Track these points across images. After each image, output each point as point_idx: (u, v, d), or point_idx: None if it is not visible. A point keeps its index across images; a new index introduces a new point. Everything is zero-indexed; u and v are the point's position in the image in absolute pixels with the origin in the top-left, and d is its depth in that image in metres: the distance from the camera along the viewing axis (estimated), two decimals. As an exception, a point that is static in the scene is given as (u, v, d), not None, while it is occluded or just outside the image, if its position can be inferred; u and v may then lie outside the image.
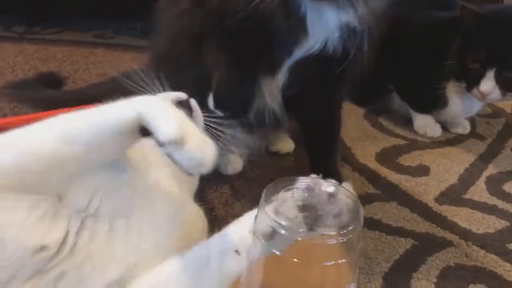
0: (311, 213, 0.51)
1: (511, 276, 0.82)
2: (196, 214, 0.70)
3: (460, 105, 1.28)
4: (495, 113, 1.52)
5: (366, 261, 0.82)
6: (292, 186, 0.54)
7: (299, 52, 0.86)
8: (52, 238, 0.53)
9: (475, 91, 1.17)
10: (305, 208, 0.52)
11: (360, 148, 1.22)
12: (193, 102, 0.72)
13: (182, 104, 0.69)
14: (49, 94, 1.31)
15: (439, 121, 1.35)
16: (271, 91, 0.95)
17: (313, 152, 1.01)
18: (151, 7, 1.05)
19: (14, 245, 0.51)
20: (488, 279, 0.81)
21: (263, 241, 0.50)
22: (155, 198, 0.63)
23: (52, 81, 1.41)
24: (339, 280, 0.54)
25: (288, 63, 0.89)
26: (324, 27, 0.84)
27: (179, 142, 0.52)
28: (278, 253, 0.50)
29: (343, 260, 0.52)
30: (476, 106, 1.32)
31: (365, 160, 1.16)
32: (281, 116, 0.99)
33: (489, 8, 1.21)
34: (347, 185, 0.98)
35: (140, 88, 0.75)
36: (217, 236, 0.60)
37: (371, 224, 0.92)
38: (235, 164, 1.06)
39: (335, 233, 0.49)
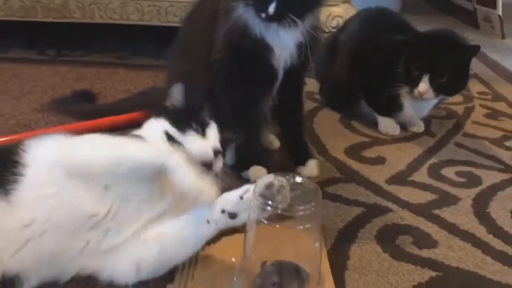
0: (284, 197, 0.84)
1: (428, 229, 1.14)
2: None
3: (412, 108, 1.61)
4: (448, 115, 1.85)
5: (327, 222, 1.14)
6: (274, 179, 0.87)
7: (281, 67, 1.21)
8: (101, 209, 0.88)
9: (415, 92, 1.52)
10: (281, 193, 0.85)
11: (333, 144, 1.55)
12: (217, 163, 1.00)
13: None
14: (87, 107, 1.66)
15: (398, 122, 1.68)
16: (268, 103, 1.29)
17: (286, 134, 1.36)
18: (162, 32, 1.39)
19: (76, 210, 0.86)
20: (414, 232, 1.13)
21: (255, 215, 0.83)
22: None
23: (87, 96, 1.76)
24: (308, 240, 0.86)
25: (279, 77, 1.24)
26: (284, 44, 1.19)
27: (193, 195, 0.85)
28: (265, 222, 0.83)
29: (309, 225, 0.84)
30: (425, 109, 1.65)
31: (335, 153, 1.50)
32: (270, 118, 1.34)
33: (426, 31, 1.58)
34: (313, 162, 1.33)
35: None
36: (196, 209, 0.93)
37: (334, 197, 1.25)
38: None
39: (302, 207, 0.82)
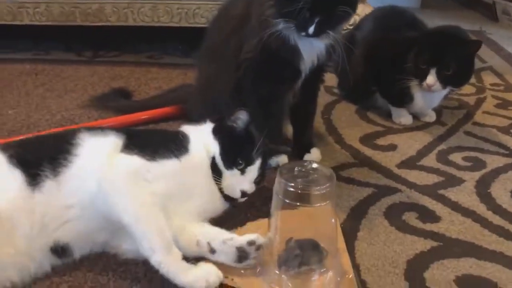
0: (303, 179, 0.98)
1: (433, 206, 1.27)
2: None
3: (423, 100, 1.73)
4: (460, 105, 1.96)
5: (341, 201, 1.28)
6: (295, 166, 1.01)
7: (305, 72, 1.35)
8: None
9: (424, 84, 1.64)
10: (300, 176, 0.99)
11: (348, 134, 1.68)
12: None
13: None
14: (124, 103, 1.83)
15: (411, 113, 1.80)
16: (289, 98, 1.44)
17: (297, 128, 1.50)
18: (190, 33, 1.53)
19: None
20: (419, 209, 1.26)
21: (280, 196, 0.97)
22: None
23: (123, 93, 1.93)
24: (325, 219, 1.00)
25: (303, 76, 1.37)
26: (313, 50, 1.32)
27: None
28: (287, 200, 0.97)
29: (326, 203, 0.98)
30: (435, 100, 1.77)
31: (351, 142, 1.63)
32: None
33: (433, 28, 1.70)
34: (316, 149, 1.47)
35: None
36: None
37: (347, 180, 1.38)
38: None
39: (318, 187, 0.96)
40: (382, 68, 1.76)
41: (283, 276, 0.97)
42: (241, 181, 1.11)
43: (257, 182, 1.14)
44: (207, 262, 0.99)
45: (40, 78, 2.15)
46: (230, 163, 1.10)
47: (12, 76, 2.16)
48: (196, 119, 1.29)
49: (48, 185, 0.99)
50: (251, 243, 0.99)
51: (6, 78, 2.13)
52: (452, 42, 1.61)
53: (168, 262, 0.93)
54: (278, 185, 0.96)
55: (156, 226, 0.95)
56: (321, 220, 1.01)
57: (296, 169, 0.98)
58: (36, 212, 0.98)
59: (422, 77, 1.63)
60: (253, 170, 1.12)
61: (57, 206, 0.99)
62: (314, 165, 1.00)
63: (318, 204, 0.96)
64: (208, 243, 1.01)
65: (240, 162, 1.10)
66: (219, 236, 1.02)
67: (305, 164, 1.00)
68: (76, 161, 1.01)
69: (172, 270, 0.93)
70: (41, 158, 1.01)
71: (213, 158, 1.10)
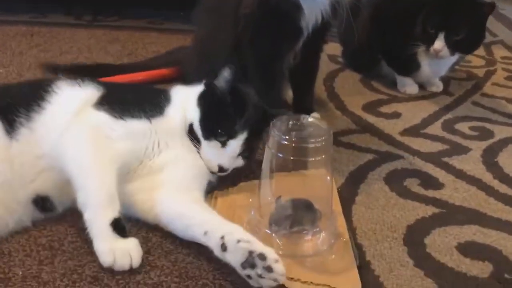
0: (298, 132, 0.92)
1: (436, 173, 1.21)
2: None
3: (430, 68, 1.66)
4: (468, 76, 1.88)
5: (340, 165, 1.22)
6: (289, 119, 0.95)
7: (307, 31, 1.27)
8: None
9: (431, 50, 1.56)
10: (295, 130, 0.93)
11: (351, 101, 1.62)
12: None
13: None
14: (123, 64, 1.77)
15: (417, 82, 1.73)
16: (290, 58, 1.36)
17: (297, 92, 1.44)
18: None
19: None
20: (422, 175, 1.20)
21: (272, 150, 0.91)
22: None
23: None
24: (320, 174, 0.94)
25: (304, 34, 1.30)
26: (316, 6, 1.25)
27: None
28: (280, 155, 0.91)
29: (322, 157, 0.92)
30: (443, 69, 1.69)
31: (353, 109, 1.56)
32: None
33: None
34: (316, 115, 1.41)
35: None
36: None
37: (348, 145, 1.32)
38: None
39: (314, 139, 0.89)
40: (389, 32, 1.68)
41: (273, 235, 0.91)
42: (220, 155, 1.01)
43: (246, 156, 1.04)
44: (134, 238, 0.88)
45: (36, 39, 2.08)
46: (209, 133, 1.01)
47: (7, 37, 2.09)
48: (191, 81, 1.22)
49: (23, 132, 0.94)
50: (262, 256, 0.79)
51: (0, 39, 2.07)
52: (463, 4, 1.52)
53: (94, 223, 0.87)
54: (271, 138, 0.90)
55: (98, 183, 0.89)
56: (315, 178, 0.96)
57: (290, 122, 0.92)
58: (14, 162, 0.93)
59: (430, 42, 1.56)
60: (236, 144, 1.01)
61: (32, 155, 0.94)
62: (310, 119, 0.94)
63: (313, 158, 0.89)
64: (222, 238, 0.83)
65: (221, 133, 1.00)
66: (234, 232, 0.84)
67: (301, 118, 0.94)
68: (49, 108, 0.97)
69: (94, 232, 0.86)
70: (17, 104, 0.96)
71: (191, 125, 1.03)
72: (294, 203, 0.94)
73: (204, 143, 1.02)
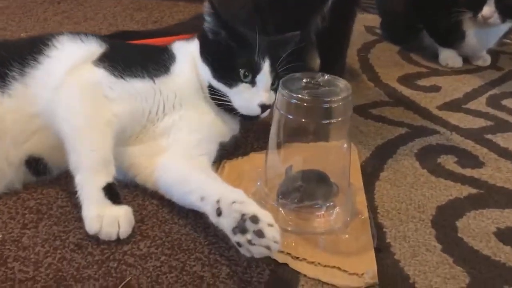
0: (312, 91, 0.80)
1: (476, 151, 1.07)
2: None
3: (476, 38, 1.49)
4: (520, 51, 1.70)
5: (366, 138, 1.10)
6: (303, 76, 0.83)
7: None
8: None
9: (479, 16, 1.39)
10: (309, 88, 0.81)
11: (386, 73, 1.47)
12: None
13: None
14: (148, 30, 1.69)
15: (461, 55, 1.56)
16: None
17: (325, 58, 1.30)
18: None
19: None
20: (459, 152, 1.06)
21: (281, 111, 0.80)
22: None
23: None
24: (336, 142, 0.83)
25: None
26: None
27: None
28: (290, 116, 0.79)
29: (339, 120, 0.80)
30: (491, 39, 1.51)
31: (387, 81, 1.42)
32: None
33: None
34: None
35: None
36: None
37: (378, 118, 1.19)
38: None
39: (328, 99, 0.77)
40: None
41: (280, 209, 0.81)
42: (255, 94, 0.90)
43: (275, 88, 0.90)
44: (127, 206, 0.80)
45: (62, 6, 2.03)
46: (231, 79, 0.91)
47: (34, 4, 2.05)
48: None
49: (16, 88, 0.87)
50: (254, 218, 0.68)
51: (27, 5, 2.03)
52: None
53: (85, 187, 0.78)
54: (280, 97, 0.79)
55: (92, 146, 0.80)
56: (330, 146, 0.84)
57: (304, 80, 0.80)
58: (6, 120, 0.86)
59: (478, 7, 1.39)
60: (264, 76, 0.90)
61: (26, 113, 0.87)
62: (327, 77, 0.81)
63: (328, 121, 0.77)
64: (218, 201, 0.73)
65: (245, 72, 0.90)
66: (231, 194, 0.74)
67: (316, 75, 0.82)
68: (46, 63, 0.89)
69: (83, 196, 0.78)
70: (12, 57, 0.88)
71: (210, 86, 0.93)
72: (305, 174, 0.83)
73: (232, 92, 0.91)
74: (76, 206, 0.83)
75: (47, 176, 0.90)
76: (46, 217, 0.81)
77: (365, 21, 1.96)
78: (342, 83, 0.80)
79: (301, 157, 0.84)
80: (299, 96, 0.76)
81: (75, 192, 0.80)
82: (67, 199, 0.86)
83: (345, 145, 0.81)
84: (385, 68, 1.51)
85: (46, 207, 0.84)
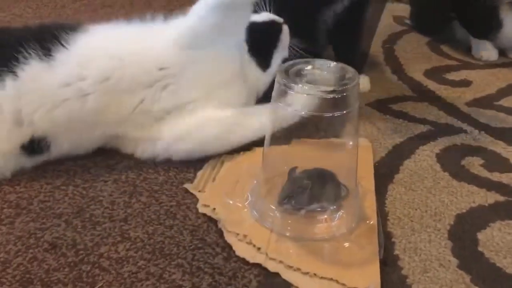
0: (313, 79, 0.71)
1: (507, 153, 0.95)
2: None
3: (515, 26, 1.35)
4: None
5: (383, 136, 1.00)
6: (305, 64, 0.74)
7: None
8: (173, 65, 0.87)
9: None
10: (309, 76, 0.72)
11: (412, 65, 1.36)
12: (285, 27, 0.97)
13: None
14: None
15: (498, 47, 1.43)
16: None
17: (338, 50, 1.21)
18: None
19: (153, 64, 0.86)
20: (487, 154, 0.95)
21: (279, 103, 0.70)
22: None
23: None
24: (343, 130, 0.74)
25: None
26: None
27: None
28: (288, 108, 0.70)
29: (343, 112, 0.71)
30: (532, 30, 1.37)
31: (412, 74, 1.31)
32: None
33: None
34: (363, 78, 1.18)
35: None
36: None
37: (398, 114, 1.09)
38: None
39: (331, 89, 0.68)
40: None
41: (276, 214, 0.72)
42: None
43: None
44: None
45: (82, -7, 2.00)
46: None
47: (55, -9, 2.03)
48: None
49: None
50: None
51: (48, -7, 2.00)
52: None
53: None
54: (276, 86, 0.70)
55: None
56: (335, 143, 0.75)
57: (307, 68, 0.71)
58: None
59: None
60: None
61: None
62: (332, 64, 0.72)
63: (330, 115, 0.68)
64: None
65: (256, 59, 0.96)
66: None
67: (322, 62, 0.73)
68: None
69: None
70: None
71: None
72: (311, 174, 0.74)
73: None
74: (58, 201, 0.78)
75: (44, 156, 0.86)
76: (24, 212, 0.76)
77: (394, 11, 1.84)
78: (349, 71, 0.71)
79: (302, 155, 0.76)
80: (298, 85, 0.67)
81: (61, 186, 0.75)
82: (50, 193, 0.80)
83: (351, 143, 0.72)
84: (411, 61, 1.40)
85: (26, 202, 0.78)
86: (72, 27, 0.90)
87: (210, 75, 0.90)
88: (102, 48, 0.88)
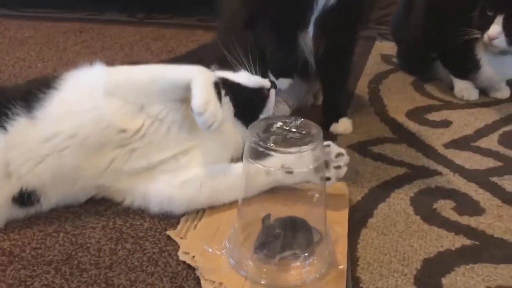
0: (280, 137, 0.77)
1: (478, 196, 1.00)
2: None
3: (492, 67, 1.40)
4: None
5: (360, 179, 1.05)
6: (271, 121, 0.80)
7: (319, 6, 1.11)
8: (132, 126, 0.90)
9: (485, 37, 1.31)
10: (277, 134, 0.78)
11: (395, 106, 1.42)
12: (272, 92, 1.02)
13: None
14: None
15: (479, 87, 1.49)
16: (306, 43, 1.20)
17: (325, 91, 1.28)
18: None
19: (108, 124, 0.88)
20: (459, 197, 0.99)
21: (249, 160, 0.76)
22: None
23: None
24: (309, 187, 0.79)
25: (313, 18, 1.13)
26: None
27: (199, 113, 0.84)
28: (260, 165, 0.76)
29: (310, 167, 0.77)
30: (509, 69, 1.42)
31: (395, 114, 1.37)
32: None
33: None
34: (345, 121, 1.24)
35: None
36: None
37: (376, 156, 1.14)
38: (285, 112, 1.33)
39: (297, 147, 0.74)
40: (442, 22, 1.45)
41: (250, 262, 0.77)
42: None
43: None
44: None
45: (84, 35, 2.10)
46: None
47: (58, 33, 2.12)
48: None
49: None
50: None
51: (51, 35, 2.10)
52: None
53: None
54: (247, 145, 0.76)
55: None
56: (303, 193, 0.82)
57: (276, 125, 0.77)
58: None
59: (485, 26, 1.31)
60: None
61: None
62: (300, 121, 0.78)
63: (298, 170, 0.74)
64: (282, 166, 0.81)
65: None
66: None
67: (289, 119, 0.79)
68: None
69: None
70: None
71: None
72: (283, 222, 0.79)
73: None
74: (49, 249, 0.83)
75: (35, 208, 0.91)
76: (17, 259, 0.81)
77: (383, 50, 1.91)
78: (314, 129, 0.77)
79: (275, 202, 0.81)
80: (266, 143, 0.73)
81: (53, 234, 0.80)
82: (42, 241, 0.85)
83: (317, 195, 0.77)
84: (395, 101, 1.46)
85: (19, 249, 0.83)
86: (51, 83, 0.93)
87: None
88: (72, 104, 0.91)
